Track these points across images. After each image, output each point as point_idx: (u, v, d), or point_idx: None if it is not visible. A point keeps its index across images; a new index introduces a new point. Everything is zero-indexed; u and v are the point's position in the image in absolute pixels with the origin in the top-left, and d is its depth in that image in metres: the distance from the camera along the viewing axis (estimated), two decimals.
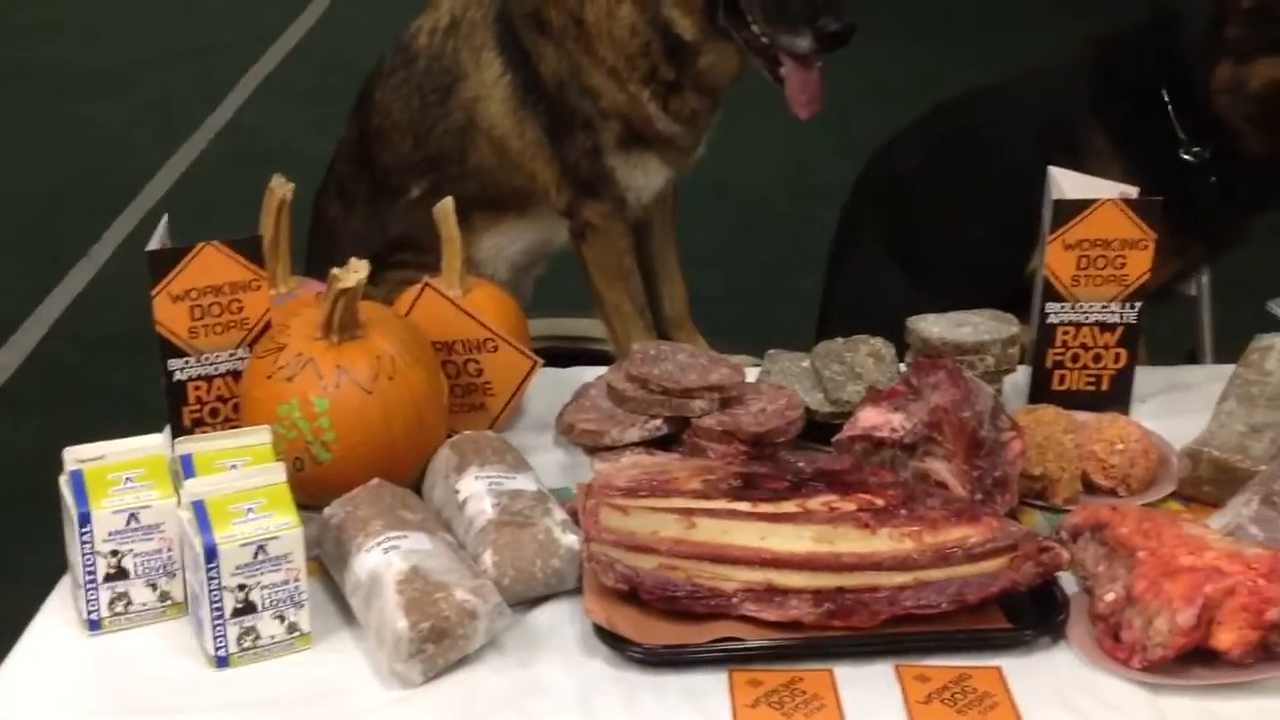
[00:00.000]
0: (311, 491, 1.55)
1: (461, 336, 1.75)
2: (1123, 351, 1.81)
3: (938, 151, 2.40)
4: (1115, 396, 1.82)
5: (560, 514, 1.54)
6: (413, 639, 1.36)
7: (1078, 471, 1.65)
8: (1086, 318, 1.80)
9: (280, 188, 1.82)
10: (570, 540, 1.50)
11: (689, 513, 1.51)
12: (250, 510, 1.40)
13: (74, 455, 1.47)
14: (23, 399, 3.55)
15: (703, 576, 1.45)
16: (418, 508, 1.54)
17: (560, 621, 1.47)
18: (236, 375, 1.69)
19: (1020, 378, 1.85)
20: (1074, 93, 2.23)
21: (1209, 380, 1.83)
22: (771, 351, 1.86)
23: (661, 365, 1.72)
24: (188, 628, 1.46)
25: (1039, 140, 2.19)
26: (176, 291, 1.65)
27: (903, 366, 1.80)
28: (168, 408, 1.68)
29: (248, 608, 1.40)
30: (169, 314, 1.65)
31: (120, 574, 1.45)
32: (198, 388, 1.69)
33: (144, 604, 1.47)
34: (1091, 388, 1.82)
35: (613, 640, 1.41)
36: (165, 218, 1.74)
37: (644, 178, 2.21)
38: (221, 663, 1.40)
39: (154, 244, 1.68)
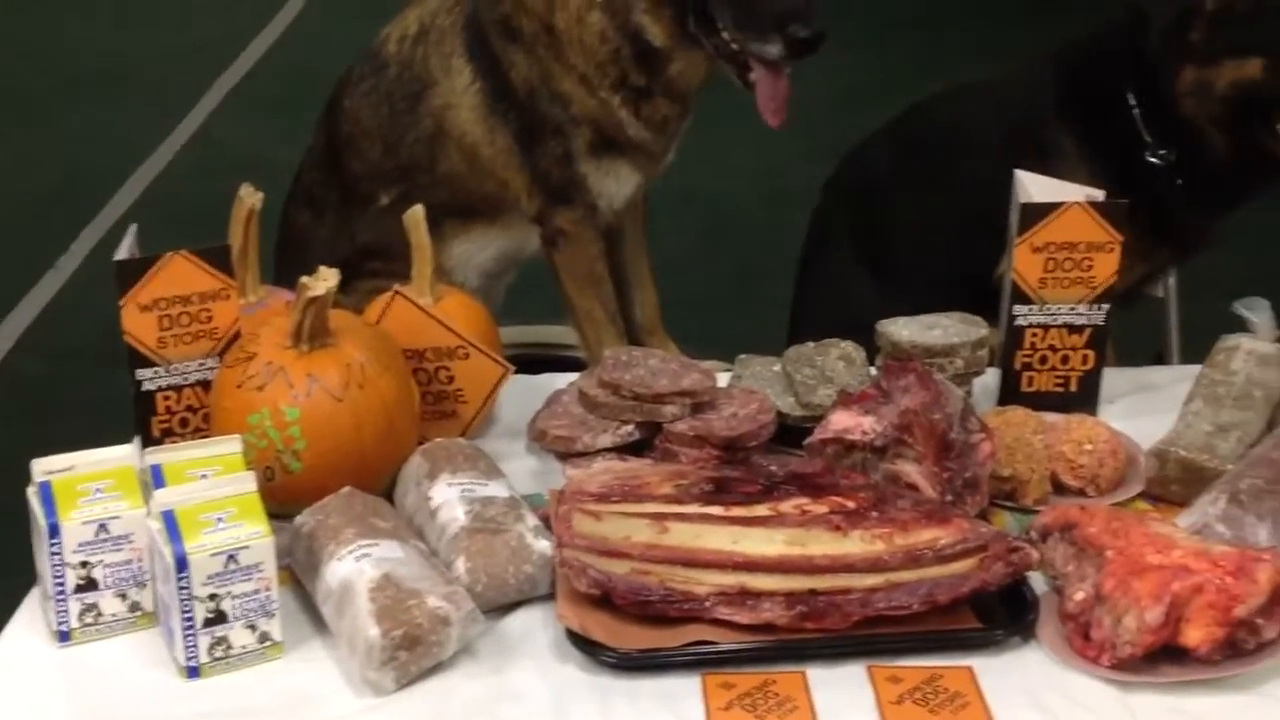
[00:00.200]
0: (282, 500, 1.54)
1: (432, 344, 1.75)
2: (1090, 353, 1.83)
3: (906, 156, 2.41)
4: (1083, 398, 1.83)
5: (533, 520, 1.54)
6: (385, 646, 1.36)
7: (1047, 472, 1.66)
8: (1054, 320, 1.82)
9: (249, 196, 1.81)
10: (543, 546, 1.50)
11: (661, 517, 1.51)
12: (221, 520, 1.40)
13: (42, 466, 1.46)
14: None
15: (675, 580, 1.46)
16: (389, 515, 1.54)
17: (533, 627, 1.47)
18: (206, 385, 1.68)
19: (989, 380, 1.86)
20: (1040, 97, 2.25)
21: (1176, 381, 1.84)
22: (742, 356, 1.86)
23: (633, 371, 1.72)
24: (158, 638, 1.45)
25: (1006, 144, 2.20)
26: (145, 301, 1.64)
27: (873, 370, 1.81)
28: (136, 418, 1.68)
29: (219, 618, 1.39)
30: (137, 324, 1.65)
31: (90, 585, 1.45)
32: (167, 398, 1.68)
33: (114, 615, 1.46)
34: (1060, 389, 1.83)
35: (586, 645, 1.41)
36: (133, 227, 1.74)
37: (615, 184, 2.21)
38: (193, 673, 1.40)
39: (122, 253, 1.67)
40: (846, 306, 2.26)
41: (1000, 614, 1.47)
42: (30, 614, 1.50)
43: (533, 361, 2.12)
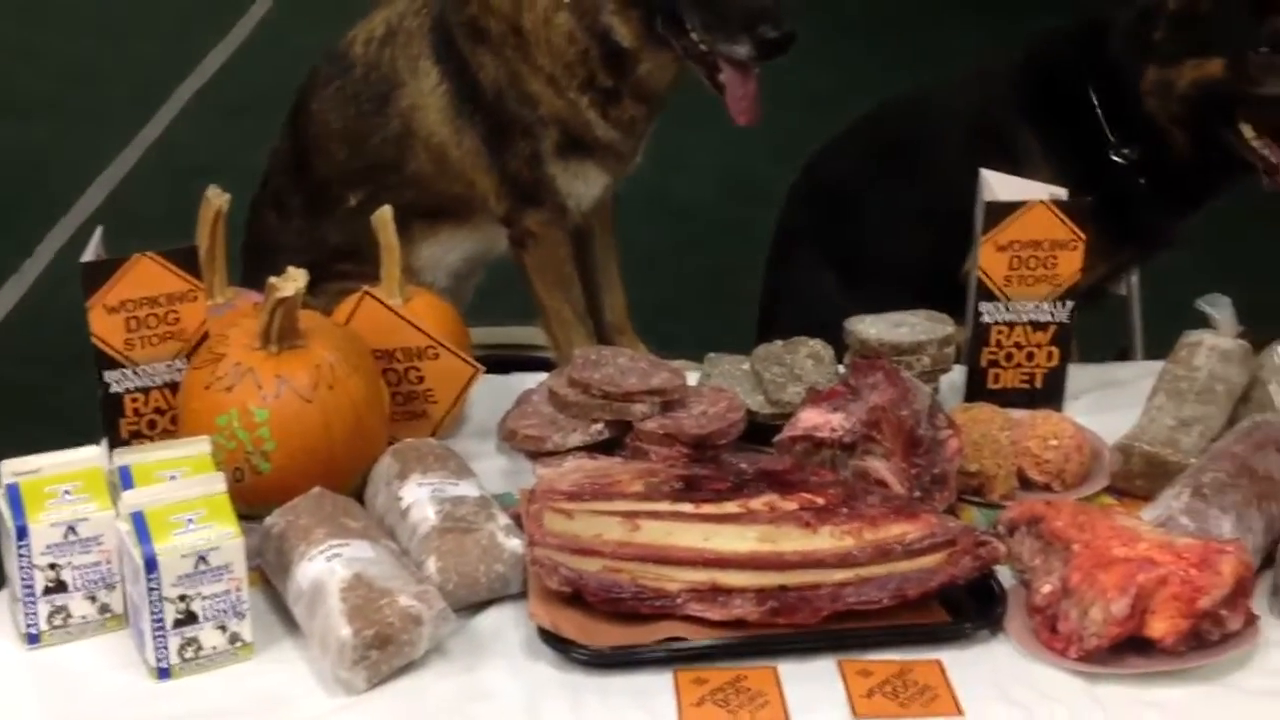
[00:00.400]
0: (252, 501, 1.54)
1: (402, 344, 1.75)
2: (1055, 350, 1.85)
3: (871, 156, 2.43)
4: (1049, 394, 1.85)
5: (504, 519, 1.54)
6: (357, 646, 1.36)
7: (1013, 468, 1.67)
8: (1020, 317, 1.83)
9: (216, 198, 1.81)
10: (514, 545, 1.51)
11: (632, 515, 1.51)
12: (190, 521, 1.40)
13: (10, 468, 1.46)
14: None
15: (647, 578, 1.46)
16: (360, 516, 1.54)
17: (505, 626, 1.48)
18: (174, 387, 1.68)
19: (956, 377, 1.88)
20: (1004, 97, 2.26)
21: (1140, 377, 1.86)
22: (712, 355, 1.87)
23: (603, 370, 1.73)
24: (128, 640, 1.44)
25: (971, 144, 2.22)
26: (112, 303, 1.64)
27: (841, 368, 1.82)
28: (104, 421, 1.67)
29: (189, 619, 1.39)
30: (104, 326, 1.64)
31: (59, 587, 1.44)
32: (135, 400, 1.67)
33: (84, 617, 1.45)
34: (1025, 386, 1.85)
35: (558, 643, 1.42)
36: (99, 229, 1.73)
37: (583, 185, 2.22)
38: (163, 674, 1.39)
39: (88, 255, 1.66)
40: (814, 306, 2.27)
41: (969, 607, 1.48)
42: None
43: (502, 362, 2.12)
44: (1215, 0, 2.07)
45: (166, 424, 1.68)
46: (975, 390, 1.85)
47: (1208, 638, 1.41)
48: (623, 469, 1.62)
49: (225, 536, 1.40)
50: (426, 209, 2.26)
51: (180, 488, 1.42)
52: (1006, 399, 1.80)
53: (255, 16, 6.47)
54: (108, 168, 4.93)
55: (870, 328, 1.82)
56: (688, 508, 1.53)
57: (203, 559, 1.38)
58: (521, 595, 1.49)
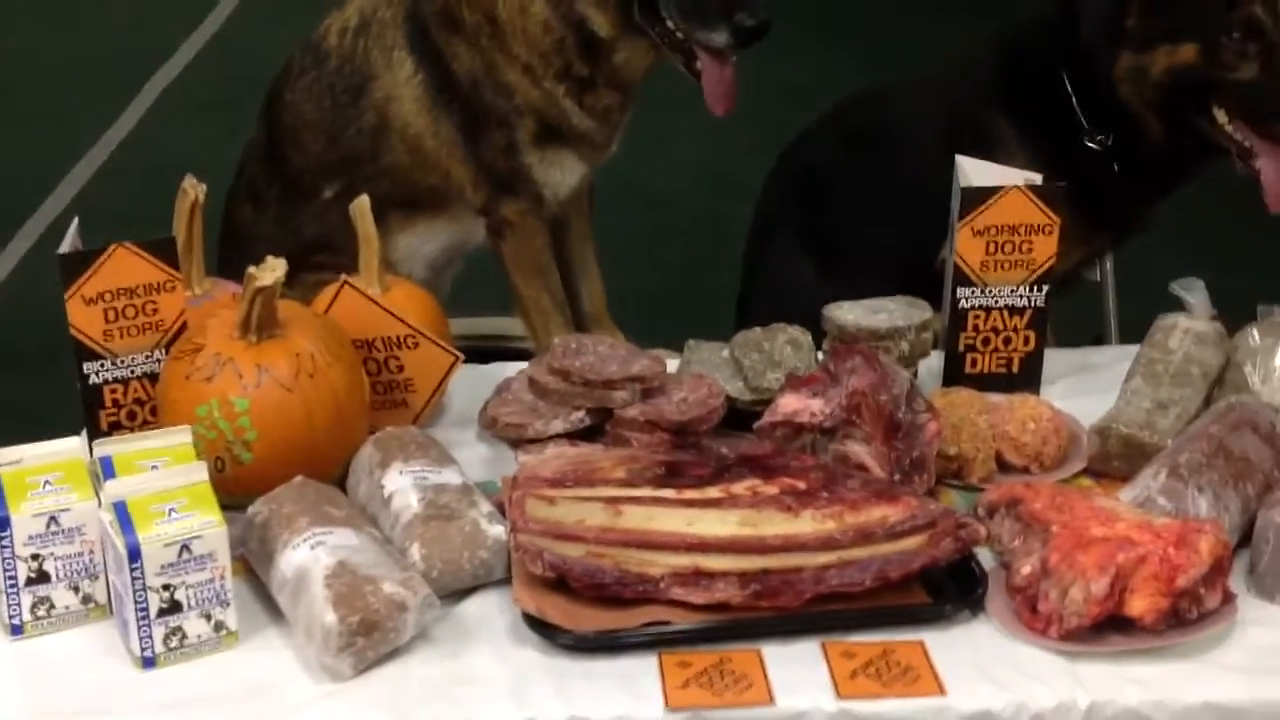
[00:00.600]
0: (233, 491, 1.54)
1: (381, 333, 1.75)
2: (1032, 334, 1.86)
3: (848, 145, 2.43)
4: (1026, 378, 1.86)
5: (486, 506, 1.54)
6: (342, 633, 1.36)
7: (992, 451, 1.68)
8: (996, 302, 1.85)
9: (192, 189, 1.80)
10: (497, 531, 1.51)
11: (615, 501, 1.52)
12: (173, 510, 1.39)
13: None
14: None
15: (630, 563, 1.47)
16: (343, 504, 1.54)
17: (489, 612, 1.48)
18: (153, 378, 1.67)
19: (934, 362, 1.89)
20: (979, 85, 2.28)
21: (1115, 361, 1.88)
22: (691, 342, 1.87)
23: (583, 358, 1.73)
24: (112, 630, 1.44)
25: (946, 133, 2.23)
26: (90, 294, 1.63)
27: (820, 355, 1.83)
28: (83, 412, 1.66)
29: (173, 607, 1.39)
30: (83, 317, 1.64)
31: (42, 578, 1.43)
32: (114, 391, 1.67)
33: (67, 607, 1.45)
34: (1003, 370, 1.87)
35: (543, 628, 1.42)
36: (76, 221, 1.72)
37: (560, 174, 2.22)
38: (148, 663, 1.39)
39: (65, 247, 1.66)
40: (792, 294, 2.27)
41: (950, 589, 1.49)
42: None
43: (480, 353, 2.12)
44: None
45: (146, 415, 1.68)
46: (953, 375, 1.86)
47: (1186, 616, 1.42)
48: (604, 455, 1.62)
49: (208, 525, 1.40)
50: (403, 200, 2.26)
51: (162, 477, 1.42)
52: (984, 383, 1.81)
53: (225, 10, 6.44)
54: (77, 165, 4.91)
55: (848, 314, 1.83)
56: (670, 493, 1.54)
57: (186, 548, 1.38)
58: (505, 581, 1.49)
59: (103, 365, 1.65)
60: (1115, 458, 1.68)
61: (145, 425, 1.67)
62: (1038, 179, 1.84)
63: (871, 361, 1.65)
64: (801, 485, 1.54)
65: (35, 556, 1.43)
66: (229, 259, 2.34)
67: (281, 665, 1.41)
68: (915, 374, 1.81)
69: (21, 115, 5.29)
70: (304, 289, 2.08)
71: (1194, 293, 1.80)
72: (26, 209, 4.52)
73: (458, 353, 1.77)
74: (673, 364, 1.83)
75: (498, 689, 1.37)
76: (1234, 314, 1.83)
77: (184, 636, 1.40)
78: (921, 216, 2.07)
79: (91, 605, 1.46)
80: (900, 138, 2.34)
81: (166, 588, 1.38)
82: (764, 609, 1.45)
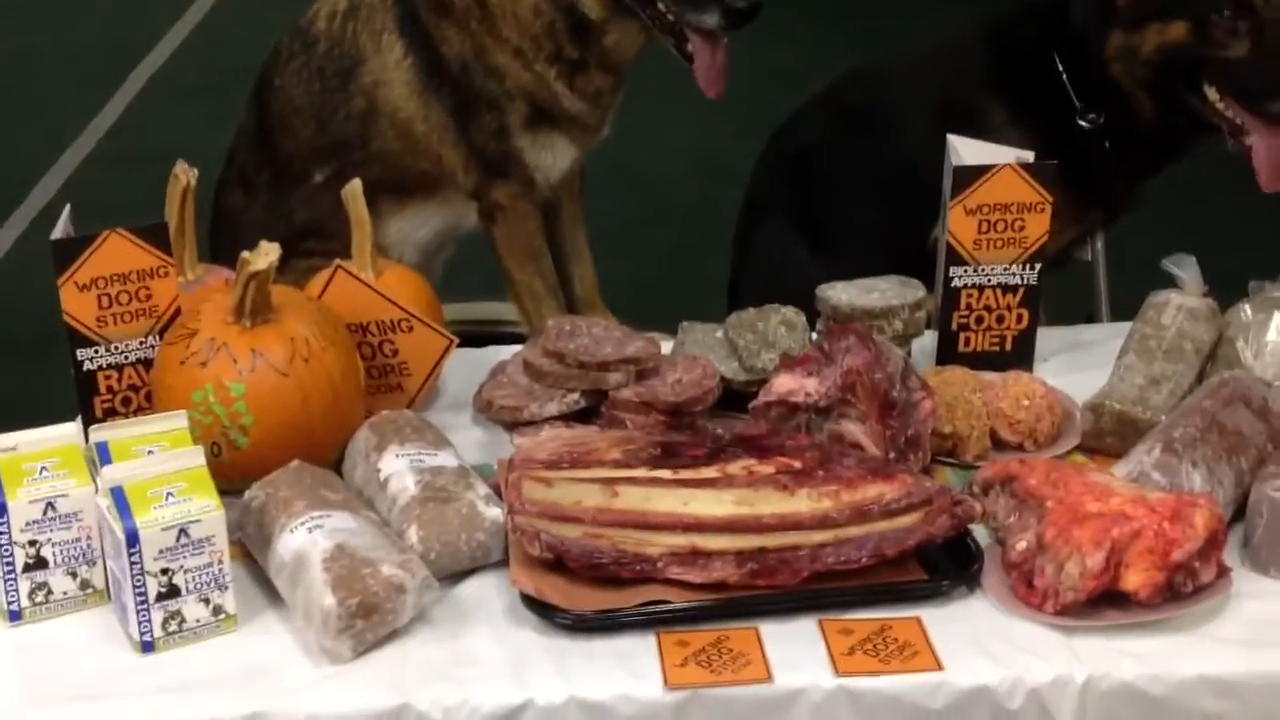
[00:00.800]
0: (230, 476, 1.53)
1: (375, 317, 1.74)
2: (1025, 312, 1.87)
3: (839, 126, 2.43)
4: (1019, 356, 1.87)
5: (483, 488, 1.55)
6: (341, 615, 1.36)
7: (986, 428, 1.69)
8: (989, 280, 1.85)
9: (184, 174, 1.80)
10: (494, 513, 1.51)
11: (611, 482, 1.52)
12: (170, 494, 1.39)
13: None
14: None
15: (627, 543, 1.47)
16: (339, 487, 1.54)
17: (488, 594, 1.48)
18: (147, 364, 1.67)
19: (927, 342, 1.89)
20: (971, 65, 2.28)
21: (1108, 338, 1.89)
22: (685, 324, 1.88)
23: (577, 340, 1.73)
24: (111, 615, 1.44)
25: (938, 113, 2.23)
26: (83, 280, 1.63)
27: (813, 335, 1.83)
28: (78, 398, 1.66)
29: (172, 592, 1.39)
30: (76, 303, 1.63)
31: (39, 563, 1.43)
32: (108, 377, 1.67)
33: (65, 593, 1.45)
34: (996, 348, 1.87)
35: (541, 608, 1.42)
36: (68, 208, 1.72)
37: (551, 157, 2.22)
38: (147, 648, 1.39)
39: (58, 233, 1.65)
40: (785, 276, 2.28)
41: (946, 566, 1.50)
42: None
43: (474, 338, 2.12)
44: None
45: (141, 400, 1.67)
46: (946, 353, 1.86)
47: (1181, 589, 1.43)
48: (600, 437, 1.62)
49: (206, 509, 1.40)
50: (394, 185, 2.25)
51: (159, 462, 1.42)
52: (977, 362, 1.81)
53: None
54: (64, 154, 4.89)
55: (842, 294, 1.83)
56: (666, 474, 1.54)
57: (184, 532, 1.38)
58: (503, 563, 1.50)
59: (97, 351, 1.65)
60: (1109, 434, 1.68)
61: (140, 411, 1.66)
62: (1030, 157, 1.84)
63: (866, 340, 1.65)
64: (797, 464, 1.55)
65: (33, 542, 1.43)
66: (220, 246, 2.34)
67: (281, 648, 1.41)
68: (909, 353, 1.81)
69: (8, 105, 5.27)
70: (295, 275, 2.07)
71: (1186, 269, 1.81)
72: (14, 199, 4.50)
73: (452, 336, 1.77)
74: (666, 346, 1.83)
75: (497, 669, 1.38)
76: (1226, 290, 1.83)
77: (183, 621, 1.40)
78: (914, 196, 2.07)
79: (90, 591, 1.46)
80: (892, 118, 2.34)
81: (165, 572, 1.38)
82: (761, 587, 1.45)
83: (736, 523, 1.49)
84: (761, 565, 1.46)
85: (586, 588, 1.45)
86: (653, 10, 2.08)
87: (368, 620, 1.38)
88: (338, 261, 1.78)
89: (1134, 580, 1.41)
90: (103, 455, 1.45)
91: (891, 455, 1.60)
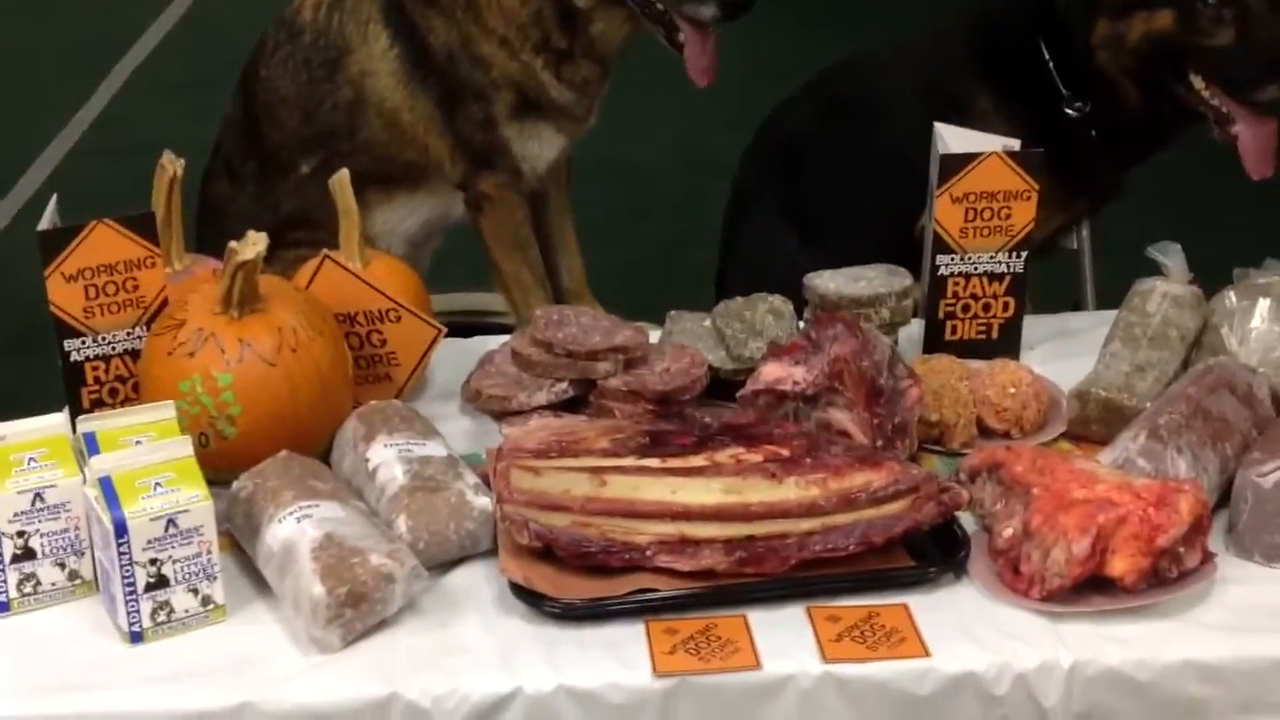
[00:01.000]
0: (218, 467, 1.53)
1: (363, 307, 1.74)
2: (1011, 300, 1.87)
3: (826, 115, 2.44)
4: (1005, 344, 1.87)
5: (472, 478, 1.55)
6: (330, 604, 1.36)
7: (973, 416, 1.70)
8: (975, 268, 1.86)
9: (171, 164, 1.79)
10: (483, 502, 1.51)
11: (599, 471, 1.52)
12: (158, 484, 1.39)
13: None
14: None
15: (616, 531, 1.47)
16: (328, 477, 1.54)
17: (476, 583, 1.48)
18: (135, 354, 1.67)
19: (914, 330, 1.90)
20: (958, 53, 2.28)
21: (1094, 326, 1.89)
22: (673, 313, 1.88)
23: (565, 329, 1.73)
24: (99, 606, 1.44)
25: (924, 102, 2.23)
26: (70, 271, 1.63)
27: (801, 324, 1.84)
28: (65, 389, 1.66)
29: (160, 582, 1.39)
30: (63, 294, 1.63)
31: (28, 554, 1.43)
32: (95, 368, 1.66)
33: (53, 584, 1.45)
34: (982, 336, 1.88)
35: (530, 597, 1.43)
36: (54, 198, 1.72)
37: (538, 147, 2.22)
38: (136, 638, 1.39)
39: (44, 224, 1.65)
40: (771, 265, 2.28)
41: (933, 553, 1.50)
42: None
43: (461, 328, 2.12)
44: None
45: (128, 391, 1.67)
46: (933, 342, 1.87)
47: (1166, 575, 1.44)
48: (588, 426, 1.62)
49: (194, 499, 1.40)
50: (380, 175, 2.25)
51: (147, 452, 1.42)
52: (964, 350, 1.82)
53: None
54: (48, 147, 4.87)
55: (829, 282, 1.84)
56: (654, 462, 1.54)
57: (172, 522, 1.38)
58: (492, 552, 1.50)
59: (84, 342, 1.65)
60: (1094, 421, 1.69)
61: (127, 402, 1.66)
62: (1016, 145, 1.85)
63: (853, 328, 1.65)
64: (785, 452, 1.55)
65: (20, 533, 1.43)
66: (206, 237, 2.33)
67: (269, 638, 1.41)
68: (896, 341, 1.82)
69: None
70: (282, 265, 2.07)
71: (1171, 256, 1.82)
72: (0, 191, 4.49)
73: (440, 325, 1.77)
74: (654, 336, 1.84)
75: (486, 658, 1.38)
76: (1211, 277, 1.84)
77: (171, 611, 1.40)
78: (901, 185, 2.07)
79: (78, 581, 1.46)
80: (879, 106, 2.35)
81: (153, 562, 1.38)
82: (749, 575, 1.46)
83: (724, 511, 1.49)
84: (749, 553, 1.46)
85: (575, 576, 1.45)
86: (642, 0, 2.08)
87: (356, 609, 1.38)
88: (325, 251, 1.78)
89: (1119, 566, 1.42)
90: (90, 446, 1.45)
91: (879, 443, 1.61)
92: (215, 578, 1.42)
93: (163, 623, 1.40)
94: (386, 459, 1.55)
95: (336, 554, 1.39)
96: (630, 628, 1.41)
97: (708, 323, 1.84)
